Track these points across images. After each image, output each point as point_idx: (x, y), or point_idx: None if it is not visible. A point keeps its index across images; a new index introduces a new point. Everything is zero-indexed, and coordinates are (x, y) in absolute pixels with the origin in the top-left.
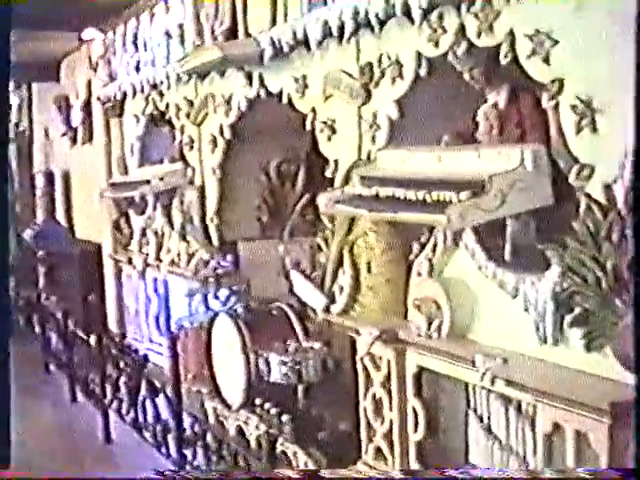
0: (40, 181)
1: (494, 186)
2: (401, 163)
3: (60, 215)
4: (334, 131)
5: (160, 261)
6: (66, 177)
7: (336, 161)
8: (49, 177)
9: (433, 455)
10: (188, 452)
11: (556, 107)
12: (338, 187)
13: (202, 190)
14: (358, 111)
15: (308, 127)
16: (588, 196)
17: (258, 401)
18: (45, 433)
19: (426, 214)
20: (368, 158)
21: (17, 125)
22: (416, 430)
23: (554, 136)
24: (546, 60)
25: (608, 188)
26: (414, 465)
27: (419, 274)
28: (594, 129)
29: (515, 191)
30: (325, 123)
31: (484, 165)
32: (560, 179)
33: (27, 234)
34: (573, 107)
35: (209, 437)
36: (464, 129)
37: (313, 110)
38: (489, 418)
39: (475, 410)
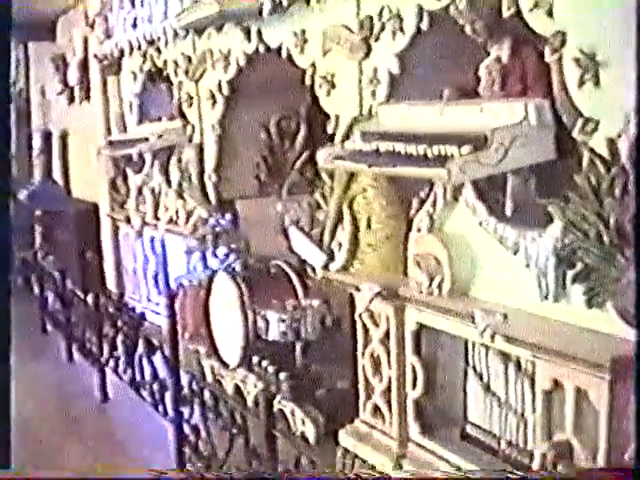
0: (37, 141)
1: (496, 140)
2: (402, 118)
3: (57, 174)
4: (334, 86)
5: (158, 220)
6: (63, 136)
7: (337, 116)
8: (46, 136)
9: (431, 413)
10: (185, 410)
11: (559, 60)
12: (338, 143)
13: (200, 147)
14: (358, 66)
15: (307, 82)
16: (591, 150)
17: (256, 359)
18: (42, 393)
19: (426, 168)
20: (369, 113)
21: (14, 85)
22: (414, 388)
23: (557, 90)
24: (549, 13)
25: (612, 142)
26: (412, 423)
27: (419, 230)
28: (597, 83)
29: (517, 145)
30: (325, 78)
31: (486, 119)
32: (563, 134)
33: (23, 194)
34: (576, 60)
35: (206, 395)
36: (466, 83)
37: (313, 65)
38: (488, 376)
39: (474, 368)
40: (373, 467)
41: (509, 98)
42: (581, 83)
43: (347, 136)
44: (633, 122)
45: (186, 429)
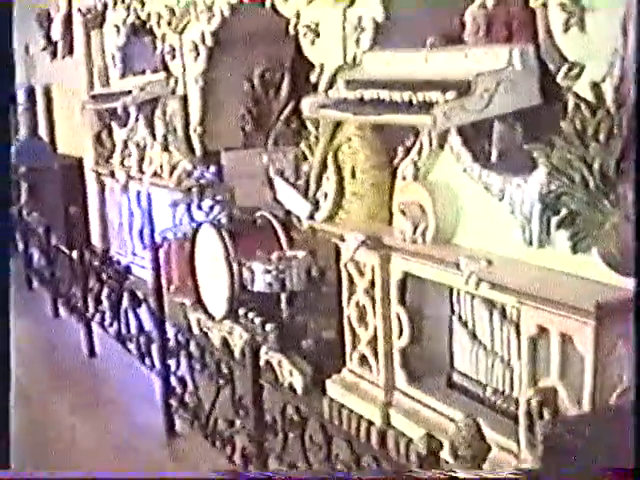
0: (21, 97)
1: (480, 86)
2: (386, 65)
3: (42, 131)
4: (318, 35)
5: (143, 173)
6: (47, 92)
7: (321, 65)
8: (30, 93)
9: (417, 362)
10: (172, 362)
11: (544, 6)
12: (322, 92)
13: (185, 100)
14: (343, 14)
15: (292, 32)
16: (576, 95)
17: (242, 311)
18: (29, 349)
19: (411, 115)
20: (353, 61)
21: None
22: (400, 337)
23: (542, 36)
24: None
25: (596, 87)
26: (398, 372)
27: (404, 178)
28: (582, 28)
29: (502, 91)
30: (309, 27)
31: (471, 65)
32: (548, 79)
33: None
34: (562, 5)
35: (192, 346)
36: (451, 30)
37: (297, 14)
38: (474, 324)
39: (460, 316)
40: (360, 416)
41: (494, 44)
42: (566, 28)
43: (331, 85)
44: (617, 66)
45: (173, 381)
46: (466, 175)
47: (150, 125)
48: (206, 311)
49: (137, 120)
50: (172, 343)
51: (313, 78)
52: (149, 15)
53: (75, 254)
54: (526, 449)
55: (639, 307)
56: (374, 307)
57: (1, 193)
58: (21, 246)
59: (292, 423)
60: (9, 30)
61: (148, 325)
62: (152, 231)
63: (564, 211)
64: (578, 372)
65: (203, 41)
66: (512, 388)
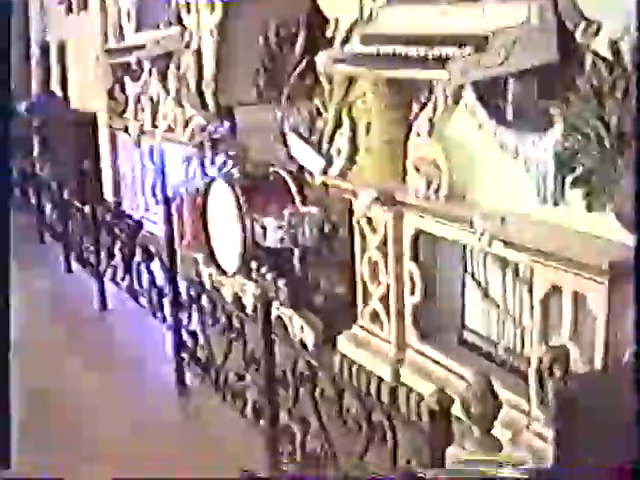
0: (35, 52)
1: (497, 42)
2: (403, 20)
3: (55, 85)
4: None
5: (156, 128)
6: (61, 47)
7: (336, 20)
8: (44, 48)
9: (429, 319)
10: (183, 316)
11: None
12: (337, 46)
13: (199, 54)
14: None
15: None
16: (594, 53)
17: (254, 266)
18: (42, 304)
19: (427, 70)
20: (369, 16)
21: None
22: (412, 294)
23: None
24: None
25: (614, 44)
26: (410, 329)
27: (418, 134)
28: None
29: (519, 47)
30: None
31: (488, 21)
32: (565, 36)
33: (22, 106)
34: None
35: (204, 301)
36: None
37: None
38: (486, 282)
39: (472, 274)
40: (371, 372)
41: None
42: None
43: (347, 40)
44: (635, 24)
45: (184, 335)
46: (481, 132)
47: (163, 79)
48: (218, 266)
49: (150, 74)
50: (184, 297)
51: (328, 33)
52: None
53: (88, 209)
54: (537, 407)
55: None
56: (386, 264)
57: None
58: (34, 200)
59: (303, 378)
60: None
61: (160, 279)
62: (165, 186)
63: (579, 169)
64: (590, 331)
65: None
66: (523, 346)
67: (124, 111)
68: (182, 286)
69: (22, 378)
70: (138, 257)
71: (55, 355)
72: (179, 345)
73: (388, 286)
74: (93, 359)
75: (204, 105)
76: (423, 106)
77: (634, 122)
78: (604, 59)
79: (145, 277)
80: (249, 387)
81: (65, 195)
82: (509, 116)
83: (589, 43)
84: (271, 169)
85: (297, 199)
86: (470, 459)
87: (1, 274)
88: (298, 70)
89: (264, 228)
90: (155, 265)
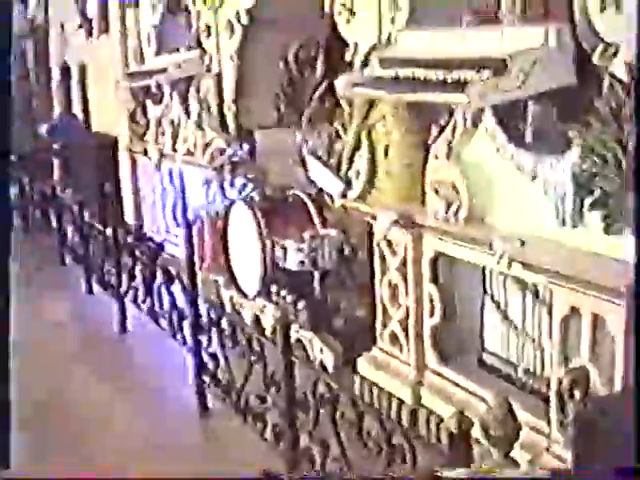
0: (56, 75)
1: (516, 65)
2: (421, 44)
3: (76, 108)
4: (353, 13)
5: (176, 151)
6: (82, 70)
7: (355, 44)
8: (65, 71)
9: (448, 341)
10: (203, 338)
11: None
12: (357, 70)
13: (219, 78)
14: None
15: (327, 10)
16: (612, 75)
17: (274, 289)
18: (63, 326)
19: (446, 94)
20: (388, 40)
21: (33, 20)
22: (432, 316)
23: (578, 15)
24: None
25: (632, 67)
26: (429, 351)
27: (437, 157)
28: (618, 7)
29: (537, 70)
30: (344, 5)
31: (506, 44)
32: (583, 59)
33: (42, 128)
34: None
35: (224, 323)
36: (486, 9)
37: None
38: (505, 304)
39: (492, 296)
40: (391, 395)
41: (530, 23)
42: (602, 8)
43: (366, 64)
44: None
45: (204, 357)
46: (499, 155)
47: (184, 103)
48: (238, 288)
49: (171, 98)
50: (204, 320)
51: (348, 57)
52: None
53: (109, 231)
54: (557, 429)
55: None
56: (406, 286)
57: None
58: (54, 222)
59: (323, 400)
60: None
61: (181, 302)
62: (185, 209)
63: (597, 192)
64: (609, 352)
65: (238, 19)
66: (543, 368)
67: (145, 134)
68: (203, 308)
69: (43, 399)
70: (159, 279)
71: (76, 376)
72: (200, 367)
73: (407, 308)
74: (113, 381)
75: (224, 128)
76: (442, 129)
77: None
78: (621, 81)
79: (166, 299)
80: (270, 409)
81: (86, 217)
82: (528, 139)
83: (607, 65)
84: (291, 192)
85: (317, 222)
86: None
87: (1, 274)
88: (318, 93)
89: (284, 250)
90: (176, 287)
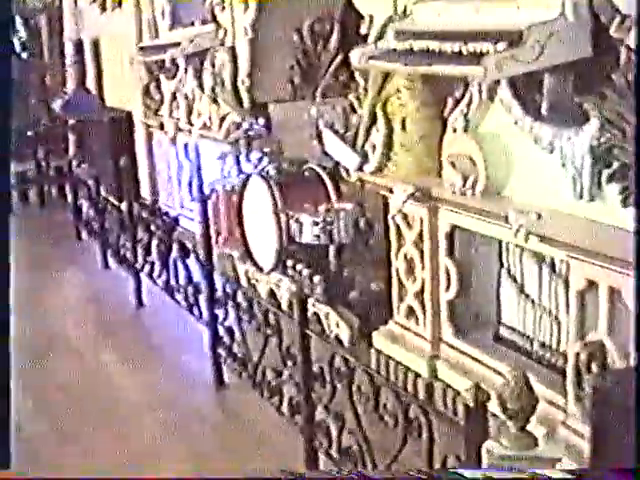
0: (70, 50)
1: (532, 37)
2: (437, 16)
3: (90, 83)
4: None
5: (191, 125)
6: (96, 45)
7: (371, 16)
8: (79, 45)
9: (465, 315)
10: (219, 312)
11: None
12: (372, 43)
13: (233, 52)
14: None
15: None
16: (628, 47)
17: (290, 263)
18: (78, 300)
19: (462, 66)
20: (403, 12)
21: None
22: (448, 289)
23: None
24: None
25: None
26: (445, 325)
27: (454, 130)
28: None
29: (554, 42)
30: None
31: (522, 16)
32: (600, 31)
33: (57, 103)
34: None
35: (240, 297)
36: None
37: None
38: (522, 277)
39: (508, 270)
40: (407, 368)
41: None
42: None
43: (381, 36)
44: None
45: (220, 331)
46: (516, 127)
47: (198, 77)
48: (254, 262)
49: (186, 72)
50: (220, 294)
51: (363, 29)
52: None
53: (124, 206)
54: (573, 403)
55: None
56: (422, 259)
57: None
58: (70, 197)
59: (339, 373)
60: None
61: (196, 276)
62: (200, 183)
63: (615, 164)
64: (626, 326)
65: None
66: (559, 342)
67: (159, 109)
68: (218, 283)
69: (59, 372)
70: (175, 254)
71: (91, 351)
72: (216, 341)
73: (423, 282)
74: (129, 355)
75: (239, 102)
76: (458, 102)
77: None
78: (639, 54)
79: (182, 274)
80: (286, 383)
81: (102, 192)
82: (544, 111)
83: (623, 38)
84: (306, 165)
85: (332, 195)
86: (505, 455)
87: (1, 274)
88: (333, 67)
89: (300, 224)
90: (191, 262)
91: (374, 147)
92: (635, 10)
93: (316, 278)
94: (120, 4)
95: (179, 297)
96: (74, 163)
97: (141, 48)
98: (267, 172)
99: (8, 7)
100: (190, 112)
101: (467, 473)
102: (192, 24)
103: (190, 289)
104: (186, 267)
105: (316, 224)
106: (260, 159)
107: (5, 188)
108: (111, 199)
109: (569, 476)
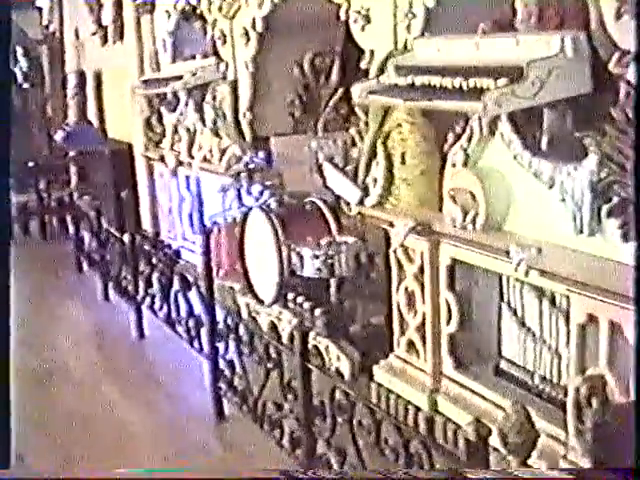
0: (71, 82)
1: (532, 73)
2: (437, 52)
3: (92, 115)
4: (369, 21)
5: (192, 158)
6: (97, 77)
7: (371, 51)
8: (80, 78)
9: (465, 348)
10: (220, 345)
11: None
12: (372, 78)
13: (235, 85)
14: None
15: (342, 17)
16: (628, 83)
17: (291, 296)
18: (78, 333)
19: (462, 101)
20: (404, 47)
21: (47, 27)
22: (449, 323)
23: (594, 23)
24: None
25: None
26: (446, 358)
27: (454, 165)
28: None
29: (553, 78)
30: (359, 12)
31: (522, 52)
32: (599, 66)
33: (58, 135)
34: None
35: (241, 330)
36: (502, 17)
37: (347, 0)
38: (523, 311)
39: (509, 303)
40: (408, 402)
41: (545, 31)
42: (618, 16)
43: (381, 71)
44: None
45: (221, 364)
46: (516, 162)
47: (200, 110)
48: (255, 296)
49: (187, 105)
50: (221, 327)
51: (363, 64)
52: (200, 0)
53: (126, 237)
54: (574, 437)
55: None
56: (423, 293)
57: None
58: (71, 229)
59: (340, 407)
60: None
61: (198, 309)
62: (202, 216)
63: (615, 199)
64: (627, 360)
65: (254, 26)
66: (560, 376)
67: (161, 141)
68: (219, 315)
69: (60, 404)
70: (176, 286)
71: (92, 382)
72: (216, 374)
73: (424, 315)
74: (130, 388)
75: (240, 135)
76: (458, 137)
77: None
78: (638, 89)
79: (183, 306)
80: (286, 416)
81: (103, 224)
82: (544, 146)
83: (623, 73)
84: (307, 199)
85: (334, 229)
86: None
87: (1, 274)
88: (333, 101)
89: (301, 257)
90: (193, 294)
91: (375, 181)
92: (634, 46)
93: (317, 311)
94: (121, 37)
95: (180, 329)
96: (75, 195)
97: (143, 81)
98: (268, 205)
99: (8, 37)
100: (191, 145)
101: None
102: (193, 57)
103: (191, 322)
104: (187, 300)
105: (317, 257)
106: (261, 192)
107: (5, 219)
108: (113, 231)
109: (569, 476)
